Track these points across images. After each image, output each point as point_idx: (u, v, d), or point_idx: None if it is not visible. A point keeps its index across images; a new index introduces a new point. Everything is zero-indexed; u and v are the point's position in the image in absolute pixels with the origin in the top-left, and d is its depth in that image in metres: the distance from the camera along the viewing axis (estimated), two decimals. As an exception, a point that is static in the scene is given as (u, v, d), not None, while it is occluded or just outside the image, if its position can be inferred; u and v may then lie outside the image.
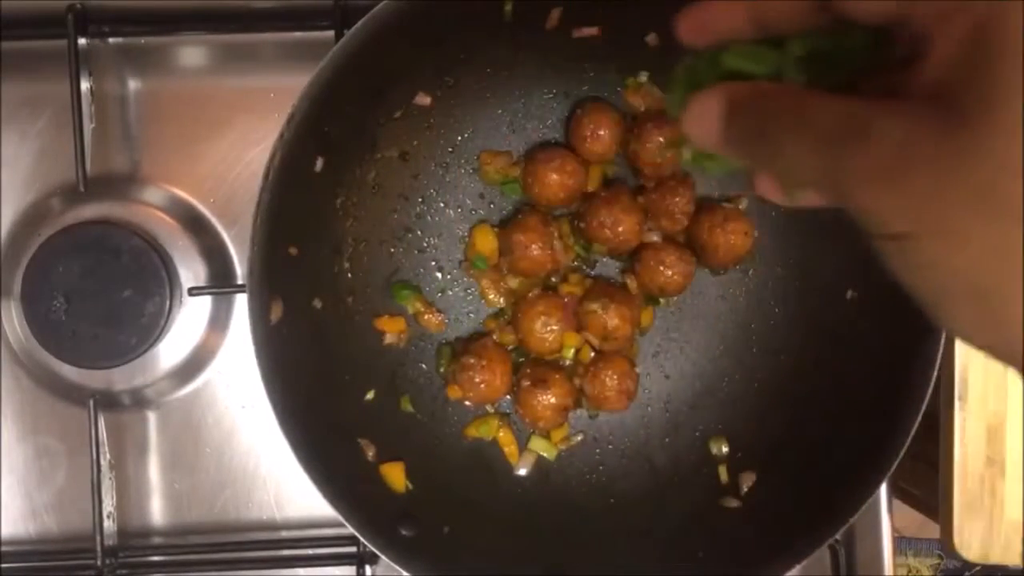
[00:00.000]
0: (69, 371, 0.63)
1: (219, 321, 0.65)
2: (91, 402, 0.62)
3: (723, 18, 0.28)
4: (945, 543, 0.59)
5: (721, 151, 0.29)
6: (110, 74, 0.65)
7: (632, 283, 0.62)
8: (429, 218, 0.63)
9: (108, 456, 0.64)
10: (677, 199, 0.60)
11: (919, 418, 0.53)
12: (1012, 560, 0.59)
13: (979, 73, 0.23)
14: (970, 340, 0.25)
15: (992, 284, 0.23)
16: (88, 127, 0.64)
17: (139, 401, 0.65)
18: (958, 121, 0.23)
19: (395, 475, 0.58)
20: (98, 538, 0.61)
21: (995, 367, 0.56)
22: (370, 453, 0.59)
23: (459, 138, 0.62)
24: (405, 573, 0.54)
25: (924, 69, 0.25)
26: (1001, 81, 0.22)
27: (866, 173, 0.24)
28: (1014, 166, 0.22)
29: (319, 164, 0.57)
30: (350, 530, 0.54)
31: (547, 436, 0.62)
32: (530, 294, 0.61)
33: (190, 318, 0.64)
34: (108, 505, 0.64)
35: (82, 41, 0.62)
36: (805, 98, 0.26)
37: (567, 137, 0.62)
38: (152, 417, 0.65)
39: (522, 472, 0.62)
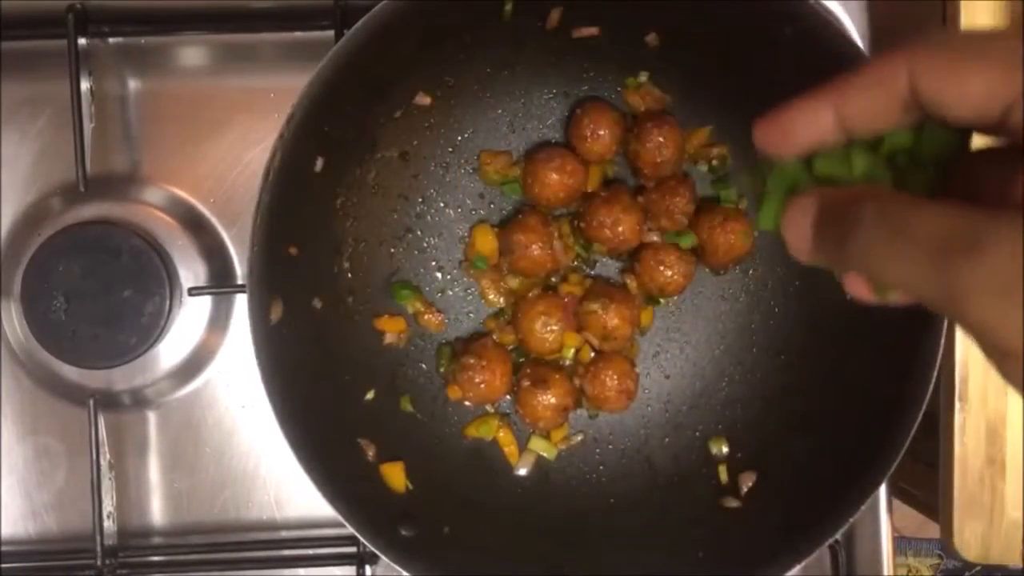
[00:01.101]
0: (69, 371, 0.63)
1: (219, 321, 0.65)
2: (91, 402, 0.62)
3: (809, 125, 0.27)
4: (945, 543, 0.59)
5: (812, 259, 0.28)
6: (110, 74, 0.65)
7: (632, 283, 0.62)
8: (429, 218, 0.63)
9: (108, 456, 0.64)
10: (677, 199, 0.60)
11: (919, 418, 0.53)
12: (1012, 560, 0.59)
13: None
14: None
15: None
16: (88, 127, 0.64)
17: (139, 401, 0.65)
18: None
19: (395, 475, 0.58)
20: (98, 538, 0.61)
21: (995, 367, 0.56)
22: (370, 453, 0.59)
23: (459, 138, 0.62)
24: (405, 573, 0.54)
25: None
26: None
27: (982, 288, 0.23)
28: None
29: (319, 164, 0.57)
30: (350, 530, 0.54)
31: (547, 436, 0.62)
32: (530, 294, 0.61)
33: (190, 318, 0.64)
34: (108, 505, 0.64)
35: (82, 41, 0.62)
36: (904, 206, 0.25)
37: (567, 137, 0.62)
38: (152, 417, 0.65)
39: (522, 472, 0.62)
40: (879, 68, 0.26)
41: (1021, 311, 0.22)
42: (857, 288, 0.31)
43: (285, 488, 0.66)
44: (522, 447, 0.62)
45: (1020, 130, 0.24)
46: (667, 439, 0.63)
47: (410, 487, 0.59)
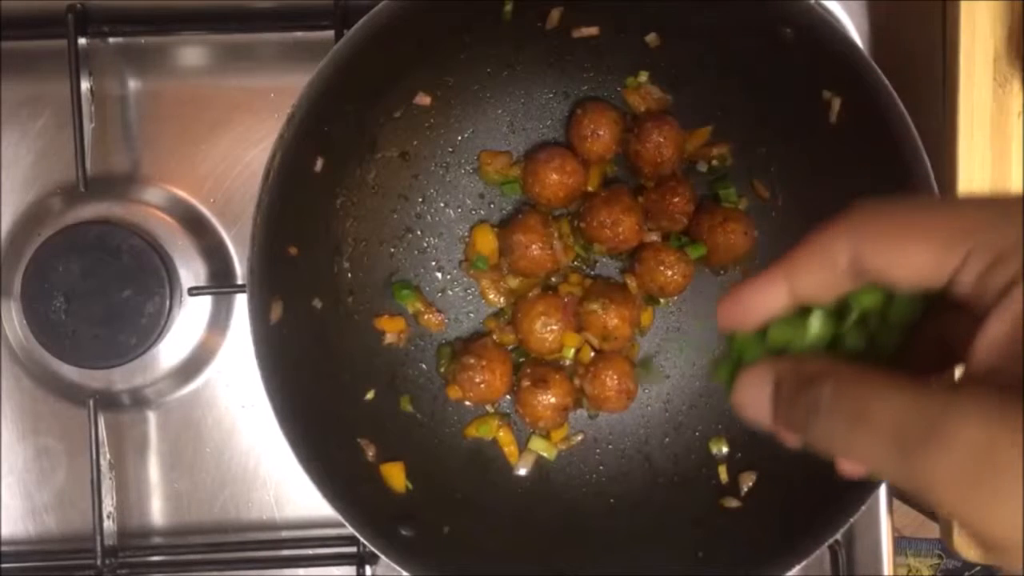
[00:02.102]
0: (69, 371, 0.63)
1: (219, 321, 0.65)
2: (91, 402, 0.62)
3: (764, 301, 0.27)
4: (945, 543, 0.59)
5: (775, 431, 0.28)
6: (110, 74, 0.65)
7: (632, 283, 0.62)
8: (429, 218, 0.63)
9: (108, 456, 0.64)
10: (677, 199, 0.60)
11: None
12: (1012, 560, 0.59)
13: None
14: None
15: None
16: (88, 127, 0.64)
17: (139, 401, 0.65)
18: None
19: (395, 475, 0.58)
20: (98, 538, 0.61)
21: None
22: (370, 453, 0.59)
23: (459, 138, 0.62)
24: (405, 573, 0.54)
25: (978, 348, 0.23)
26: None
27: (948, 480, 0.22)
28: None
29: (319, 164, 0.57)
30: (350, 530, 0.54)
31: (547, 436, 0.62)
32: (530, 294, 0.61)
33: (190, 318, 0.64)
34: (108, 505, 0.64)
35: (82, 41, 0.62)
36: (862, 389, 0.24)
37: (567, 137, 0.62)
38: (152, 417, 0.65)
39: (522, 472, 0.62)
40: (821, 243, 0.26)
41: (996, 502, 0.21)
42: (843, 468, 0.30)
43: (285, 488, 0.66)
44: (522, 447, 0.62)
45: (967, 298, 0.24)
46: (667, 439, 0.63)
47: (410, 487, 0.59)
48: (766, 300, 0.27)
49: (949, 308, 0.26)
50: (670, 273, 0.60)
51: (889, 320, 0.27)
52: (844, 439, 0.25)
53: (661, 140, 0.59)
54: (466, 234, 0.63)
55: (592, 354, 0.61)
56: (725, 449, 0.62)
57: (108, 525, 0.63)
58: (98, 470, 0.61)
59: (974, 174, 0.55)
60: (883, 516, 0.63)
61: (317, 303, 0.59)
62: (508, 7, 0.57)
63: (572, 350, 0.61)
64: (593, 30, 0.60)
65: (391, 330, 0.62)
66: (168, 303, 0.61)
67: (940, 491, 0.22)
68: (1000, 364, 0.22)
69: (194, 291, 0.62)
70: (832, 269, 0.26)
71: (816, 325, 0.27)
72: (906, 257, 0.25)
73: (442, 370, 0.62)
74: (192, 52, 0.66)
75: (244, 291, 0.54)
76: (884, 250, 0.25)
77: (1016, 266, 0.23)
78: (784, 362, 0.27)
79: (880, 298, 0.26)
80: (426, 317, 0.62)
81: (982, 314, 0.23)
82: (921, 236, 0.25)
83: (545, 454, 0.62)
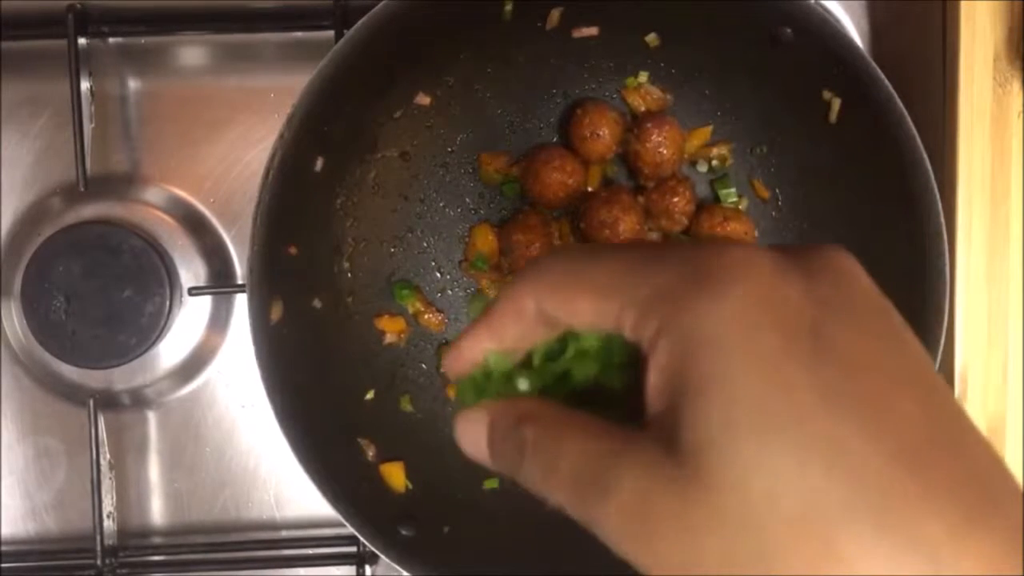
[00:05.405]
0: (69, 371, 0.63)
1: (219, 321, 0.65)
2: (91, 402, 0.62)
3: (473, 352, 0.28)
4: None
5: (493, 469, 0.28)
6: (110, 74, 0.65)
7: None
8: (429, 218, 0.63)
9: (108, 456, 0.64)
10: (677, 199, 0.60)
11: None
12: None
13: (680, 416, 0.22)
14: None
15: None
16: (88, 127, 0.64)
17: (139, 401, 0.65)
18: (679, 472, 0.22)
19: (395, 475, 0.58)
20: (98, 538, 0.61)
21: (995, 367, 0.56)
22: (370, 453, 0.59)
23: (459, 138, 0.62)
24: (405, 573, 0.54)
25: (647, 397, 0.24)
26: (697, 429, 0.21)
27: (612, 525, 0.23)
28: (744, 525, 0.21)
29: (319, 164, 0.57)
30: (350, 530, 0.54)
31: (547, 436, 0.62)
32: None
33: (190, 318, 0.64)
34: (108, 505, 0.64)
35: (82, 41, 0.62)
36: (556, 434, 0.25)
37: (567, 137, 0.62)
38: (152, 417, 0.65)
39: (522, 472, 0.62)
40: (512, 298, 0.27)
41: (652, 547, 0.22)
42: None
43: (285, 488, 0.66)
44: (522, 447, 0.62)
45: (636, 342, 0.24)
46: (667, 439, 0.63)
47: (410, 487, 0.59)
48: (473, 351, 0.28)
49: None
50: (670, 273, 0.60)
51: (612, 361, 0.27)
52: (543, 487, 0.26)
53: (661, 140, 0.59)
54: (466, 234, 0.63)
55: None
56: (725, 449, 0.62)
57: (108, 525, 0.63)
58: (98, 470, 0.61)
59: (974, 174, 0.55)
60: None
61: (317, 303, 0.59)
62: (508, 7, 0.57)
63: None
64: (593, 30, 0.60)
65: (391, 330, 0.62)
66: (168, 303, 0.61)
67: (609, 537, 0.23)
68: (662, 413, 0.23)
69: (194, 291, 0.62)
70: (524, 319, 0.27)
71: (524, 380, 0.28)
72: (573, 309, 0.26)
73: (442, 370, 0.62)
74: (192, 52, 0.66)
75: (244, 291, 0.54)
76: (557, 303, 0.26)
77: (656, 320, 0.23)
78: (496, 404, 0.28)
79: (597, 342, 0.27)
80: (426, 317, 0.62)
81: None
82: (581, 290, 0.25)
83: (545, 454, 0.62)
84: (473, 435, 0.28)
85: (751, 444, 0.21)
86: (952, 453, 0.21)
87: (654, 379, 0.23)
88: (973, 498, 0.21)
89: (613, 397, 0.27)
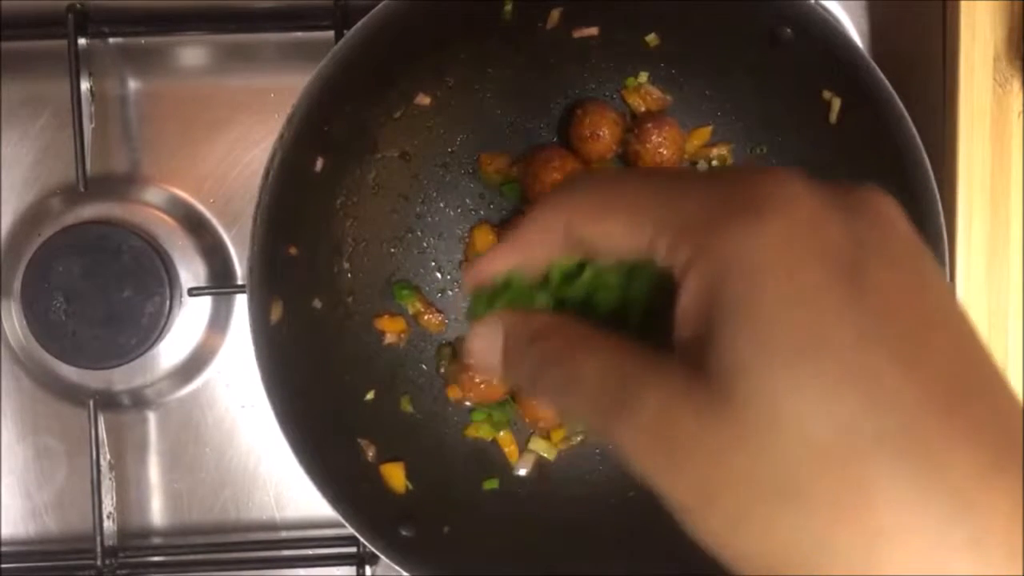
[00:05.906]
0: (69, 371, 0.63)
1: (219, 321, 0.65)
2: (91, 402, 0.62)
3: (495, 267, 0.28)
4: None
5: (504, 382, 0.28)
6: (110, 74, 0.65)
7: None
8: (429, 218, 0.63)
9: (108, 456, 0.64)
10: (677, 199, 0.60)
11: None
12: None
13: (712, 340, 0.22)
14: None
15: (779, 561, 0.22)
16: (88, 127, 0.64)
17: (139, 401, 0.65)
18: (708, 395, 0.22)
19: (395, 475, 0.58)
20: (98, 538, 0.61)
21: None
22: (370, 453, 0.59)
23: (459, 138, 0.62)
24: (405, 573, 0.54)
25: (677, 321, 0.24)
26: (731, 352, 0.21)
27: (633, 443, 0.23)
28: (771, 449, 0.21)
29: (319, 164, 0.57)
30: (350, 530, 0.54)
31: (547, 436, 0.62)
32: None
33: (190, 318, 0.64)
34: (108, 505, 0.64)
35: (82, 41, 0.62)
36: (576, 347, 0.25)
37: (567, 137, 0.62)
38: (152, 417, 0.65)
39: (522, 472, 0.62)
40: (540, 216, 0.27)
41: (675, 469, 0.22)
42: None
43: (285, 488, 0.66)
44: (522, 447, 0.62)
45: (667, 266, 0.24)
46: (667, 439, 0.63)
47: (410, 487, 0.59)
48: (496, 263, 0.28)
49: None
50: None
51: (632, 295, 0.27)
52: (561, 400, 0.25)
53: (661, 140, 0.59)
54: (466, 234, 0.63)
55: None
56: (725, 449, 0.62)
57: (108, 525, 0.63)
58: (98, 470, 0.61)
59: (974, 174, 0.55)
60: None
61: (317, 303, 0.59)
62: (508, 7, 0.57)
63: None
64: (593, 30, 0.60)
65: (391, 330, 0.62)
66: (168, 303, 0.61)
67: (630, 455, 0.23)
68: (691, 338, 0.23)
69: (194, 291, 0.62)
70: (552, 238, 0.27)
71: (542, 297, 0.28)
72: (605, 230, 0.25)
73: (442, 370, 0.62)
74: (192, 52, 0.66)
75: (244, 291, 0.54)
76: (588, 222, 0.26)
77: (691, 246, 0.23)
78: (513, 315, 0.28)
79: (618, 274, 0.27)
80: (426, 317, 0.62)
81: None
82: (615, 210, 0.25)
83: (545, 454, 0.62)
84: (488, 343, 0.28)
85: (785, 370, 0.21)
86: (983, 396, 0.22)
87: (685, 303, 0.23)
88: (1002, 440, 0.21)
89: (631, 333, 0.27)
